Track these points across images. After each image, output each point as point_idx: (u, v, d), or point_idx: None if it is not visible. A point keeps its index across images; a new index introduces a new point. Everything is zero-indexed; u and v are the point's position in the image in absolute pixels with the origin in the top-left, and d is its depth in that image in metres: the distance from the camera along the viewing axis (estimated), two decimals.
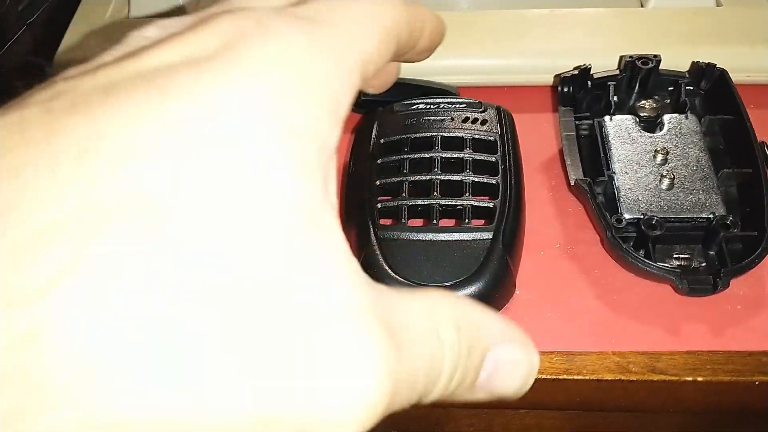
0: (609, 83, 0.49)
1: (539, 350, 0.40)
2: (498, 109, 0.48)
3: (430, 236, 0.41)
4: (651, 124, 0.48)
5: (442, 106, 0.48)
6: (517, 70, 0.53)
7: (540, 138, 0.51)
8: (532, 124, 0.51)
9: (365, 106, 0.54)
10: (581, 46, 0.53)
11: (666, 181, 0.44)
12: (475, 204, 0.43)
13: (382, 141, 0.47)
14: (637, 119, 0.48)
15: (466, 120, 0.47)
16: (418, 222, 0.45)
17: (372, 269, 0.40)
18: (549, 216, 0.46)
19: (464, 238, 0.41)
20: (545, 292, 0.42)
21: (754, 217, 0.42)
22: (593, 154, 0.47)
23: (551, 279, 0.42)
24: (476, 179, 0.44)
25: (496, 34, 0.54)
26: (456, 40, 0.54)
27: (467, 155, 0.45)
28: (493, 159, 0.45)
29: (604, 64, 0.51)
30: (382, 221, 0.43)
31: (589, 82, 0.49)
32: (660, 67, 0.49)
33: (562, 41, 0.53)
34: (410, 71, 0.53)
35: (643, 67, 0.49)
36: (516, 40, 0.54)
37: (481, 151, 0.45)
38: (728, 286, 0.39)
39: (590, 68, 0.49)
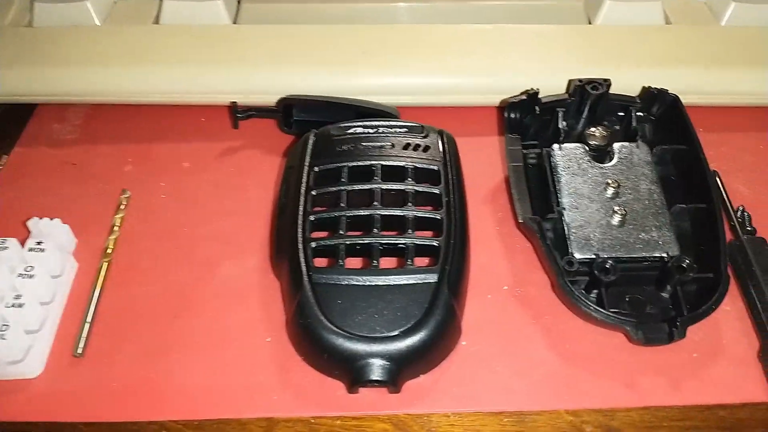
0: (558, 109, 0.46)
1: (488, 409, 0.37)
2: (441, 134, 0.44)
3: (371, 280, 0.37)
4: (601, 154, 0.45)
5: (381, 130, 0.44)
6: (460, 90, 0.50)
7: (485, 164, 0.48)
8: (477, 148, 0.48)
9: (296, 126, 0.50)
10: (528, 64, 0.50)
11: (617, 217, 0.41)
12: (418, 242, 0.39)
13: (316, 169, 0.42)
14: (587, 148, 0.45)
15: (407, 146, 0.43)
16: (356, 261, 0.41)
17: (306, 318, 0.36)
18: (496, 254, 0.43)
19: (407, 281, 0.37)
20: (493, 342, 0.38)
21: (708, 257, 0.40)
22: (542, 187, 0.44)
23: (499, 326, 0.39)
24: (419, 214, 0.40)
25: (439, 51, 0.50)
26: (396, 57, 0.50)
27: (409, 187, 0.41)
28: (437, 191, 0.41)
29: (551, 83, 0.48)
30: (317, 261, 0.38)
31: (537, 108, 0.46)
32: (610, 91, 0.47)
33: (508, 60, 0.50)
34: (346, 90, 0.49)
35: (592, 92, 0.46)
36: (459, 57, 0.50)
37: (423, 182, 0.42)
38: (684, 336, 0.36)
39: (538, 93, 0.46)
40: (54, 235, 0.42)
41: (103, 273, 0.42)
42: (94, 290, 0.41)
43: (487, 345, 0.38)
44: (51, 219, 0.42)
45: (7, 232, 0.42)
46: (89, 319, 0.39)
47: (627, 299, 0.40)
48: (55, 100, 0.52)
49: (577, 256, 0.40)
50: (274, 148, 0.50)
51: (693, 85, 0.49)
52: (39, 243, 0.40)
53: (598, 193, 0.43)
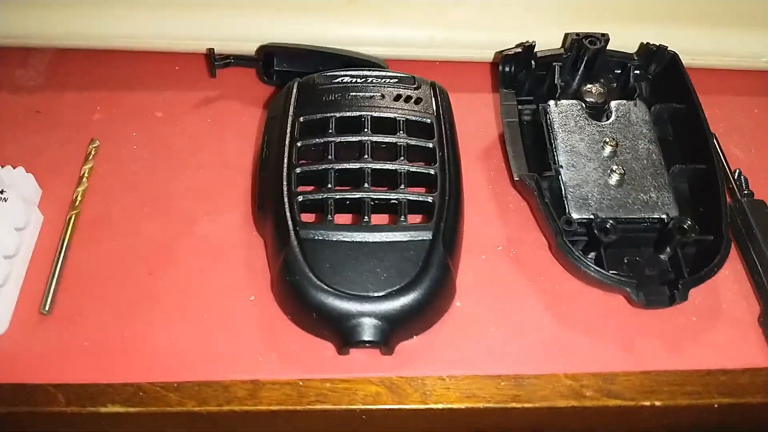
0: (555, 64, 0.44)
1: (484, 373, 0.35)
2: (433, 86, 0.42)
3: (362, 236, 0.35)
4: (598, 111, 0.43)
5: (370, 80, 0.42)
6: (452, 44, 0.47)
7: (477, 121, 0.46)
8: (468, 105, 0.46)
9: (277, 77, 0.47)
10: (523, 17, 0.47)
11: (615, 177, 0.40)
12: (412, 198, 0.37)
13: (301, 119, 0.40)
14: (584, 105, 0.43)
15: (398, 98, 0.41)
16: (345, 218, 0.38)
17: (293, 275, 0.34)
18: (489, 213, 0.41)
19: (400, 238, 0.35)
20: (488, 304, 0.37)
21: (708, 218, 0.39)
22: (537, 144, 0.42)
23: (494, 287, 0.37)
24: (412, 169, 0.38)
25: (431, 1, 0.48)
26: (385, 6, 0.47)
27: (401, 140, 0.39)
28: (430, 145, 0.39)
29: (547, 39, 0.46)
30: (304, 217, 0.36)
31: (533, 62, 0.44)
32: (607, 47, 0.45)
33: (503, 11, 0.48)
34: (332, 40, 0.46)
35: (590, 46, 0.44)
36: (453, 8, 0.47)
37: (416, 135, 0.40)
38: (686, 299, 0.35)
39: (534, 45, 0.44)
40: (17, 184, 0.39)
41: (70, 226, 0.39)
42: (62, 244, 0.38)
43: (482, 306, 0.37)
44: (14, 168, 0.39)
45: None
46: (56, 274, 0.36)
47: (625, 261, 0.38)
48: (17, 44, 0.48)
49: (575, 216, 0.38)
50: (253, 99, 0.47)
51: (690, 45, 0.47)
52: (1, 192, 0.37)
53: (596, 152, 0.41)
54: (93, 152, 0.42)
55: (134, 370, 0.34)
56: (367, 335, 0.33)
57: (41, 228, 0.39)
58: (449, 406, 0.33)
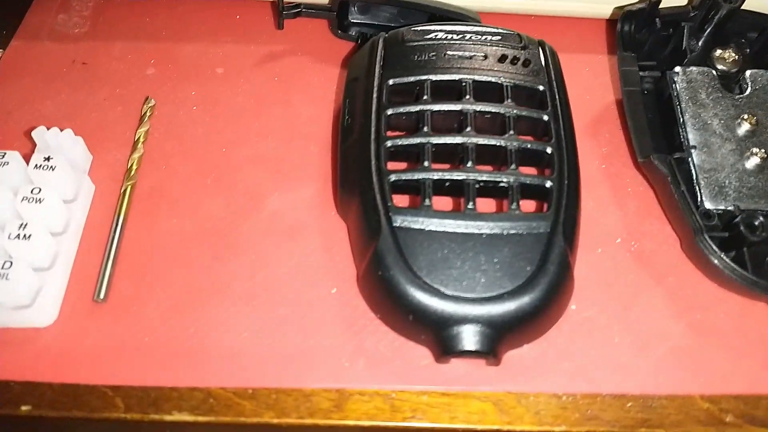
0: (684, 23, 0.38)
1: (607, 391, 0.30)
2: (542, 45, 0.36)
3: (467, 226, 0.30)
4: (730, 81, 0.37)
5: (468, 37, 0.36)
6: None
7: (586, 87, 0.40)
8: (575, 68, 0.39)
9: (353, 30, 0.41)
10: None
11: (755, 160, 0.34)
12: (527, 181, 0.31)
13: (390, 82, 0.34)
14: (715, 73, 0.37)
15: (503, 59, 0.35)
16: (444, 202, 0.33)
17: (387, 270, 0.29)
18: (604, 198, 0.35)
19: (513, 230, 0.30)
20: (608, 307, 0.31)
21: None
22: (662, 118, 0.36)
23: (614, 288, 0.32)
24: (526, 145, 0.32)
25: None
26: None
27: (509, 110, 0.33)
28: (545, 117, 0.33)
29: None
30: (396, 199, 0.31)
31: (658, 21, 0.38)
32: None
33: None
34: None
35: (725, 4, 0.37)
36: None
37: (526, 104, 0.34)
38: None
39: (660, 1, 0.38)
40: (65, 149, 0.34)
41: (126, 199, 0.34)
42: (117, 220, 0.33)
43: (600, 311, 0.31)
44: (61, 130, 0.34)
45: (6, 144, 0.34)
46: (112, 255, 0.32)
47: (767, 260, 0.33)
48: None
49: (709, 205, 0.33)
50: (325, 55, 0.41)
51: None
52: (47, 159, 0.32)
53: (731, 130, 0.35)
54: (148, 113, 0.37)
55: (202, 371, 0.29)
56: (473, 344, 0.28)
57: (92, 200, 0.34)
58: (568, 429, 0.28)
